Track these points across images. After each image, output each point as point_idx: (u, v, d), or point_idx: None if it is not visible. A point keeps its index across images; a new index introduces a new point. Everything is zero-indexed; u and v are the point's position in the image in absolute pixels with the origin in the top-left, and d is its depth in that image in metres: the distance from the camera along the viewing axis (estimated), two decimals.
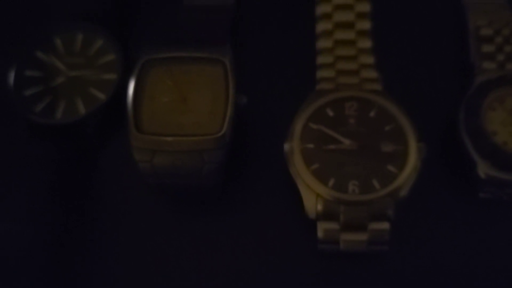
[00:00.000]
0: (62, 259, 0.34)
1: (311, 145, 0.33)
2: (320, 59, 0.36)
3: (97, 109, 0.36)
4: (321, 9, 0.37)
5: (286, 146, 0.33)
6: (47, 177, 0.36)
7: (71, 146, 0.37)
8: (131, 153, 0.32)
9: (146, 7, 0.40)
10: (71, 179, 0.36)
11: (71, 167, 0.37)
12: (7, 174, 0.36)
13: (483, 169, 0.32)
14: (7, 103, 0.37)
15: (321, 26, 0.37)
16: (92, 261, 0.34)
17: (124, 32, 0.39)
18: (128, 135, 0.32)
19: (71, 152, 0.37)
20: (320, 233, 0.32)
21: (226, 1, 0.37)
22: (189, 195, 0.34)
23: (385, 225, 0.31)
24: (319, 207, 0.32)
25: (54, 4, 0.39)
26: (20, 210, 0.35)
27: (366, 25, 0.36)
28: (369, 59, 0.36)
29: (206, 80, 0.33)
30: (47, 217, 0.35)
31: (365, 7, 0.37)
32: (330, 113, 0.34)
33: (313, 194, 0.32)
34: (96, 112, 0.36)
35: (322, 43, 0.36)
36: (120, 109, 0.34)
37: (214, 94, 0.33)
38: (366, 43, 0.36)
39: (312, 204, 0.32)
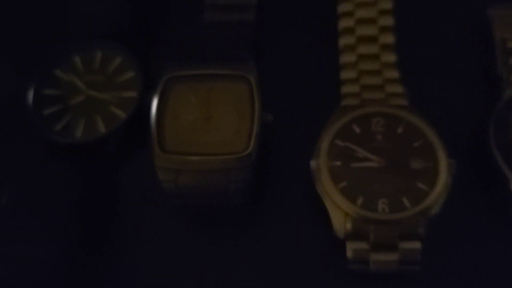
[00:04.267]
0: (85, 279, 0.34)
1: (338, 163, 0.32)
2: (344, 74, 0.36)
3: (118, 128, 0.36)
4: (343, 23, 0.37)
5: (313, 164, 0.32)
6: (67, 198, 0.35)
7: (91, 165, 0.36)
8: (155, 173, 0.32)
9: (165, 24, 0.40)
10: (92, 199, 0.36)
11: (92, 187, 0.36)
12: (27, 195, 0.35)
13: None
14: (26, 122, 0.36)
15: (343, 41, 0.36)
16: (115, 281, 0.34)
17: (144, 49, 0.38)
18: (152, 155, 0.32)
19: (92, 171, 0.36)
20: (349, 253, 0.31)
21: (247, 17, 0.37)
22: (215, 214, 0.34)
23: (416, 245, 0.30)
24: (348, 226, 0.31)
25: (73, 22, 0.39)
26: (41, 232, 0.34)
27: (389, 38, 0.36)
28: (394, 73, 0.35)
29: (231, 98, 0.32)
30: (69, 239, 0.34)
31: (388, 20, 0.36)
32: (357, 129, 0.33)
33: (341, 213, 0.31)
34: (117, 131, 0.36)
35: (345, 58, 0.36)
36: (141, 127, 0.34)
37: (239, 112, 0.32)
38: (390, 57, 0.35)
39: (340, 223, 0.31)
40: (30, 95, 0.37)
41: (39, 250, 0.34)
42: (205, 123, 0.32)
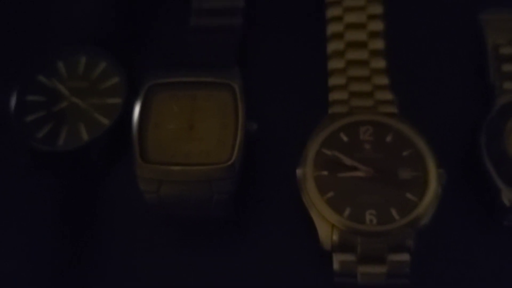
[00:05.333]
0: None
1: (325, 172, 0.31)
2: (332, 81, 0.35)
3: (101, 135, 0.35)
4: (332, 28, 0.36)
5: (299, 172, 0.32)
6: (49, 206, 0.35)
7: (74, 173, 0.36)
8: (137, 182, 0.31)
9: (151, 29, 0.39)
10: (75, 208, 0.35)
11: (75, 195, 0.35)
12: (8, 203, 0.35)
13: (508, 196, 0.31)
14: (8, 129, 0.36)
15: (332, 46, 0.35)
16: None
17: (129, 54, 0.38)
18: (134, 165, 0.31)
19: (74, 179, 0.36)
20: (336, 266, 0.30)
21: (234, 22, 0.36)
22: (197, 225, 0.33)
23: (405, 257, 0.30)
24: (335, 238, 0.30)
25: (56, 27, 0.38)
26: (22, 241, 0.34)
27: (379, 44, 0.35)
28: (384, 80, 0.34)
29: (214, 106, 0.32)
30: (50, 248, 0.34)
31: (378, 25, 0.36)
32: (344, 138, 0.32)
33: (328, 224, 0.30)
34: (100, 138, 0.35)
35: (333, 64, 0.35)
36: (125, 134, 0.33)
37: (222, 121, 0.31)
38: (380, 63, 0.35)
39: (327, 235, 0.30)
40: (13, 101, 0.36)
41: (19, 259, 0.33)
42: (188, 132, 0.31)
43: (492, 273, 0.32)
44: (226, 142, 0.31)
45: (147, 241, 0.34)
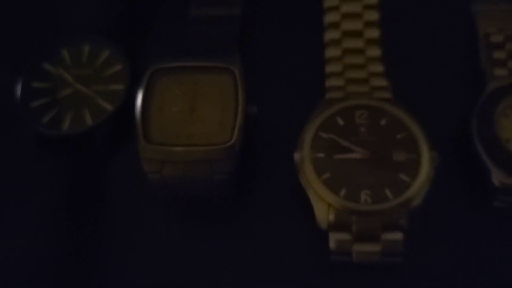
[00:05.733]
0: (71, 272, 0.34)
1: (321, 155, 0.32)
2: (329, 68, 0.36)
3: (105, 120, 0.36)
4: (329, 17, 0.37)
5: (297, 156, 0.33)
6: (55, 190, 0.35)
7: (79, 157, 0.37)
8: (140, 164, 0.32)
9: (153, 18, 0.40)
10: (80, 191, 0.36)
11: (80, 179, 0.36)
12: (15, 187, 0.35)
13: (498, 177, 0.32)
14: (14, 115, 0.36)
15: (329, 35, 0.36)
16: (101, 274, 0.34)
17: (131, 42, 0.38)
18: (137, 146, 0.32)
19: (79, 163, 0.37)
20: (332, 244, 0.31)
21: (234, 11, 0.37)
22: (199, 206, 0.34)
23: (398, 236, 0.31)
24: (331, 217, 0.31)
25: (61, 16, 0.39)
26: (28, 224, 0.34)
27: (374, 33, 0.36)
28: (379, 68, 0.35)
29: (215, 90, 0.33)
30: (56, 230, 0.35)
31: (374, 15, 0.37)
32: (341, 122, 0.33)
33: (324, 204, 0.31)
34: (104, 123, 0.36)
35: (330, 52, 0.36)
36: (128, 119, 0.34)
37: (223, 104, 0.32)
38: (375, 52, 0.36)
39: (323, 215, 0.31)
40: (18, 88, 0.37)
41: (25, 243, 0.34)
42: (190, 115, 0.32)
43: (483, 252, 0.33)
44: (226, 124, 0.32)
45: (150, 223, 0.35)
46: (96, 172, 0.37)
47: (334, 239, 0.31)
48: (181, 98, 0.33)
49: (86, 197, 0.36)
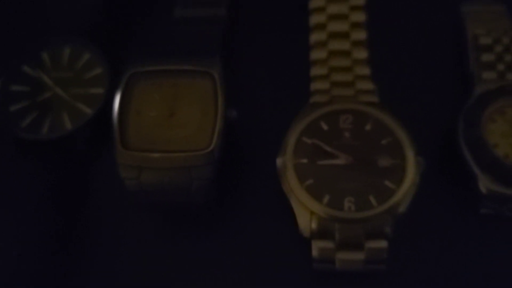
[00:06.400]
0: (51, 277, 0.33)
1: (304, 160, 0.32)
2: (314, 71, 0.35)
3: (84, 124, 0.35)
4: (314, 19, 0.36)
5: (279, 161, 0.32)
6: (34, 195, 0.35)
7: (59, 162, 0.36)
8: (117, 170, 0.31)
9: (135, 19, 0.39)
10: (59, 196, 0.35)
11: (60, 184, 0.36)
12: None
13: (485, 184, 0.31)
14: None
15: (314, 37, 0.36)
16: (82, 279, 0.33)
17: (113, 45, 0.38)
18: (114, 152, 0.31)
19: (59, 168, 0.36)
20: (315, 252, 0.30)
21: (218, 13, 0.36)
22: (178, 213, 0.33)
23: (382, 243, 0.30)
24: (314, 225, 0.30)
25: (41, 18, 0.38)
26: (7, 229, 0.34)
27: (361, 35, 0.35)
28: (365, 70, 0.35)
29: (195, 94, 0.32)
30: (36, 236, 0.34)
31: (360, 16, 0.36)
32: (325, 126, 0.33)
33: (307, 212, 0.31)
34: (83, 127, 0.35)
35: (316, 54, 0.35)
36: (108, 123, 0.33)
37: (202, 108, 0.31)
38: (362, 54, 0.35)
39: (306, 222, 0.30)
40: None
41: (3, 248, 0.33)
42: (169, 119, 0.32)
43: (469, 259, 0.32)
44: (206, 129, 0.31)
45: (132, 228, 0.34)
46: (76, 177, 0.36)
47: (317, 247, 0.30)
48: (159, 102, 0.32)
49: (66, 202, 0.35)
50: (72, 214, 0.35)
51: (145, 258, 0.33)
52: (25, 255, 0.33)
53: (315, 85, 0.34)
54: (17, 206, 0.34)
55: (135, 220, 0.34)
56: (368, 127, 0.32)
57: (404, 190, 0.31)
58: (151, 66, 0.32)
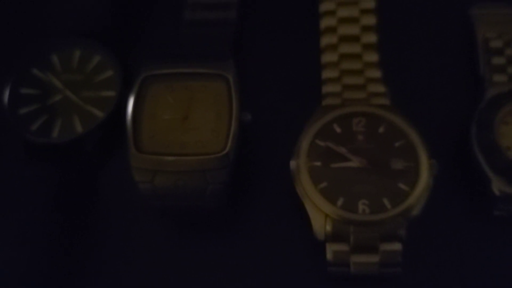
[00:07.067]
0: (60, 281, 0.33)
1: (318, 163, 0.32)
2: (325, 74, 0.35)
3: (95, 128, 0.35)
4: (325, 22, 0.36)
5: (292, 164, 0.32)
6: (44, 199, 0.35)
7: (69, 165, 0.36)
8: (131, 173, 0.31)
9: (146, 22, 0.39)
10: (70, 200, 0.35)
11: (70, 187, 0.35)
12: (3, 196, 0.35)
13: (498, 186, 0.31)
14: (2, 122, 0.36)
15: (325, 40, 0.36)
16: (91, 282, 0.33)
17: (123, 47, 0.38)
18: (128, 155, 0.31)
19: (69, 171, 0.36)
20: (329, 255, 0.30)
21: (229, 15, 0.36)
22: (192, 216, 0.33)
23: (397, 246, 0.30)
24: (328, 228, 0.30)
25: (50, 21, 0.38)
26: (17, 233, 0.34)
27: (372, 38, 0.35)
28: (376, 73, 0.35)
29: (209, 97, 0.32)
30: (46, 239, 0.34)
31: (371, 20, 0.36)
32: (338, 129, 0.33)
33: (321, 215, 0.31)
34: (94, 131, 0.35)
35: (327, 57, 0.35)
36: (120, 127, 0.33)
37: (217, 111, 0.31)
38: (373, 57, 0.35)
39: (320, 225, 0.30)
40: (6, 94, 0.36)
41: (14, 250, 0.33)
42: (183, 122, 0.31)
43: (483, 262, 0.32)
44: (220, 132, 0.31)
45: (141, 232, 0.34)
46: (87, 181, 0.36)
47: (331, 250, 0.30)
48: (173, 106, 0.32)
49: (76, 206, 0.35)
50: (82, 218, 0.35)
51: (155, 262, 0.33)
52: (35, 259, 0.33)
53: (326, 88, 0.35)
54: (27, 210, 0.34)
55: (145, 224, 0.34)
56: (381, 129, 0.33)
57: (418, 193, 0.31)
58: (164, 69, 0.32)
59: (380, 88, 0.34)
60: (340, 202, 0.31)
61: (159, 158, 0.31)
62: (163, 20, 0.39)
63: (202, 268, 0.33)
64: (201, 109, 0.32)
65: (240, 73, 0.33)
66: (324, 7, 0.37)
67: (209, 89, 0.32)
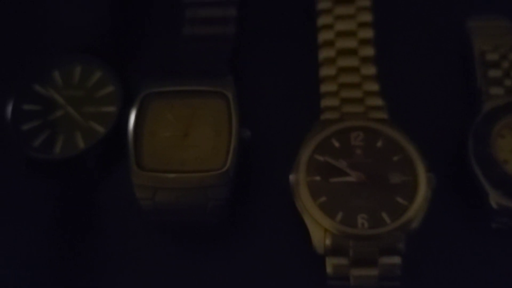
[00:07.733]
0: None
1: (317, 178, 0.32)
2: (324, 87, 0.35)
3: (97, 143, 0.35)
4: (323, 36, 0.37)
5: (292, 178, 0.32)
6: (46, 214, 0.35)
7: (71, 181, 0.36)
8: (133, 190, 0.31)
9: (145, 38, 0.39)
10: (71, 215, 0.35)
11: (72, 203, 0.36)
12: (5, 212, 0.35)
13: (495, 199, 0.32)
14: (4, 138, 0.36)
15: (323, 53, 0.36)
16: None
17: (124, 63, 0.38)
18: (129, 172, 0.32)
19: (71, 187, 0.36)
20: (329, 269, 0.31)
21: (227, 31, 0.36)
22: (193, 232, 0.33)
23: (396, 260, 0.30)
24: (328, 242, 0.31)
25: (52, 37, 0.38)
26: (19, 249, 0.34)
27: (369, 51, 0.36)
28: (374, 86, 0.35)
29: (208, 114, 0.32)
30: (47, 254, 0.34)
31: (368, 33, 0.36)
32: (336, 144, 0.33)
33: (320, 229, 0.31)
34: (96, 146, 0.35)
35: (325, 71, 0.36)
36: (121, 142, 0.33)
37: (216, 128, 0.32)
38: (370, 70, 0.35)
39: (320, 239, 0.31)
40: (9, 110, 0.36)
41: (15, 265, 0.33)
42: (183, 140, 0.32)
43: (482, 274, 0.32)
44: (220, 149, 0.31)
45: (142, 247, 0.34)
46: (88, 196, 0.36)
47: (331, 264, 0.31)
48: (173, 123, 0.32)
49: (78, 221, 0.35)
50: (83, 234, 0.35)
51: (155, 277, 0.33)
52: (36, 275, 0.33)
53: (325, 102, 0.35)
54: (29, 226, 0.34)
55: (146, 239, 0.34)
56: (379, 144, 0.33)
57: (417, 207, 0.31)
58: (165, 86, 0.33)
59: (378, 102, 0.34)
60: (339, 216, 0.31)
61: (159, 175, 0.31)
62: (163, 35, 0.39)
63: (202, 282, 0.33)
64: (201, 126, 0.32)
65: (239, 88, 0.34)
66: (322, 21, 0.37)
67: (209, 106, 0.32)
